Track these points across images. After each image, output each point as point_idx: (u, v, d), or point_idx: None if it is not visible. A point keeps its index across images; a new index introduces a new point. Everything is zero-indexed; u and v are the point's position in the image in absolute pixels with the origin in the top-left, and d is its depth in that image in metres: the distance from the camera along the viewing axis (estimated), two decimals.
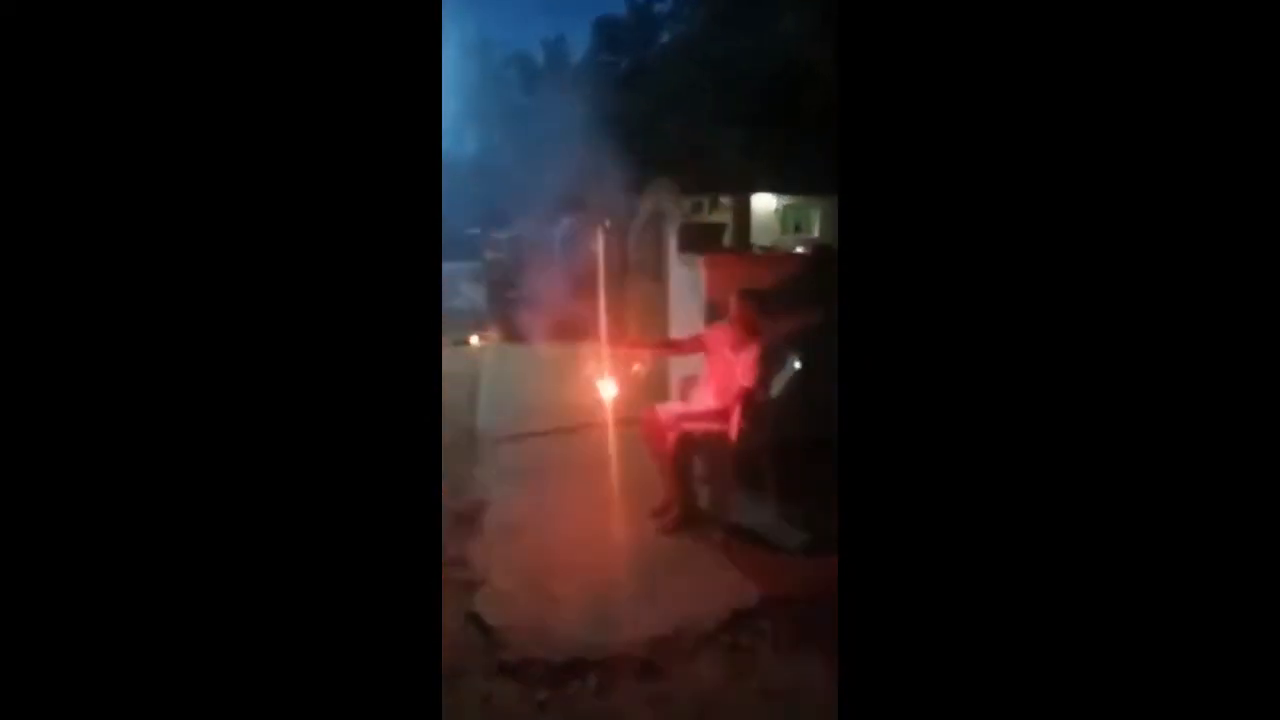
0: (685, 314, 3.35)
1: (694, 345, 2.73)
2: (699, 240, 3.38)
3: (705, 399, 2.56)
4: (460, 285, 8.12)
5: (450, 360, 6.05)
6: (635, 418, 2.73)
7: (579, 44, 13.46)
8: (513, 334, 6.51)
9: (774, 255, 3.30)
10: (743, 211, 7.49)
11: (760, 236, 8.55)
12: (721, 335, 2.55)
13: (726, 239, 3.54)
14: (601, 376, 2.69)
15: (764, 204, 9.56)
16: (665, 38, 9.67)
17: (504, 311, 6.70)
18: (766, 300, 2.48)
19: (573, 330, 6.12)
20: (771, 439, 2.54)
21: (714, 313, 2.94)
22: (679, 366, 3.23)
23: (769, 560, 2.35)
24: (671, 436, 2.39)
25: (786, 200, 9.75)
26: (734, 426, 2.33)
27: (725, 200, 7.67)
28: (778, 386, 2.56)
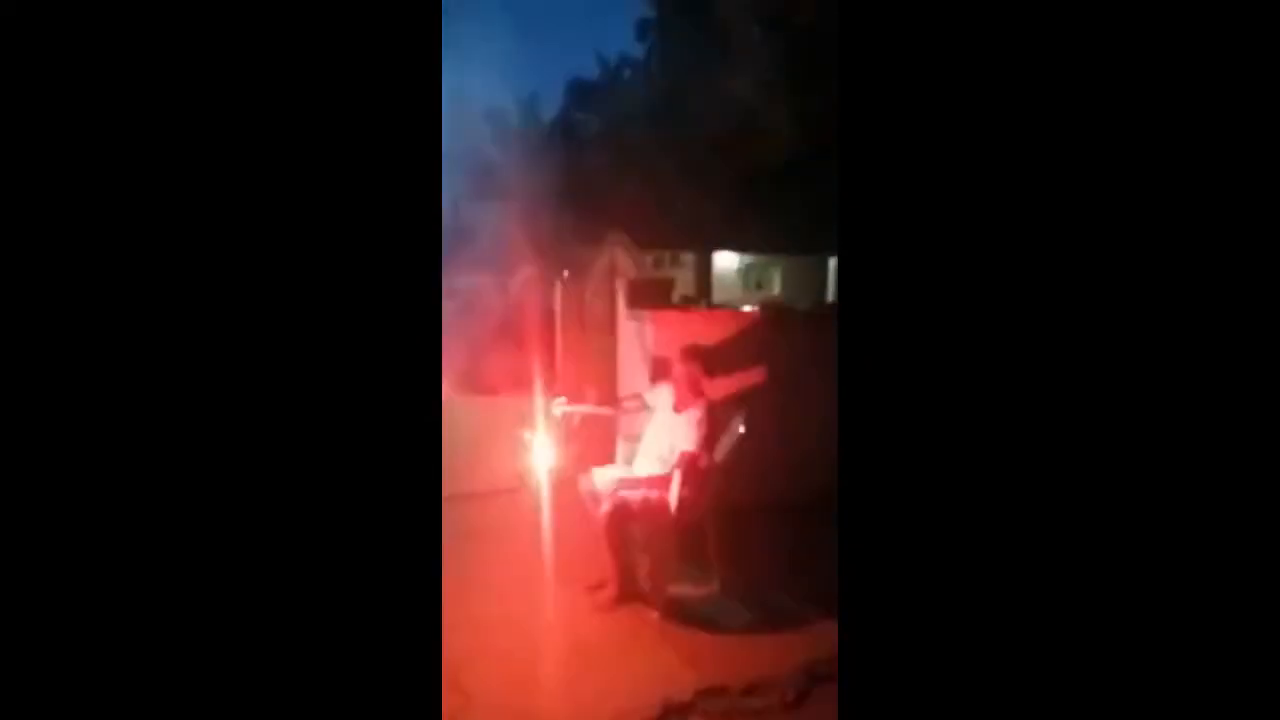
0: (632, 370, 3.22)
1: (636, 404, 2.58)
2: (647, 295, 3.29)
3: (645, 464, 2.40)
4: None
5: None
6: (573, 480, 2.54)
7: (552, 102, 13.79)
8: (463, 385, 6.29)
9: (722, 312, 3.22)
10: (703, 268, 7.56)
11: (723, 294, 8.62)
12: (664, 395, 2.41)
13: (676, 295, 3.46)
14: (535, 436, 2.48)
15: (727, 262, 9.69)
16: (632, 97, 9.96)
17: (458, 362, 6.49)
18: (711, 359, 2.36)
19: (527, 384, 5.96)
20: (714, 506, 2.38)
21: (660, 369, 2.81)
22: (625, 427, 3.07)
23: (708, 641, 2.14)
24: (608, 505, 2.21)
25: (749, 259, 9.90)
26: (674, 493, 2.15)
27: (685, 257, 7.75)
28: (722, 450, 2.41)
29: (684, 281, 8.44)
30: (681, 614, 2.27)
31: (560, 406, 2.48)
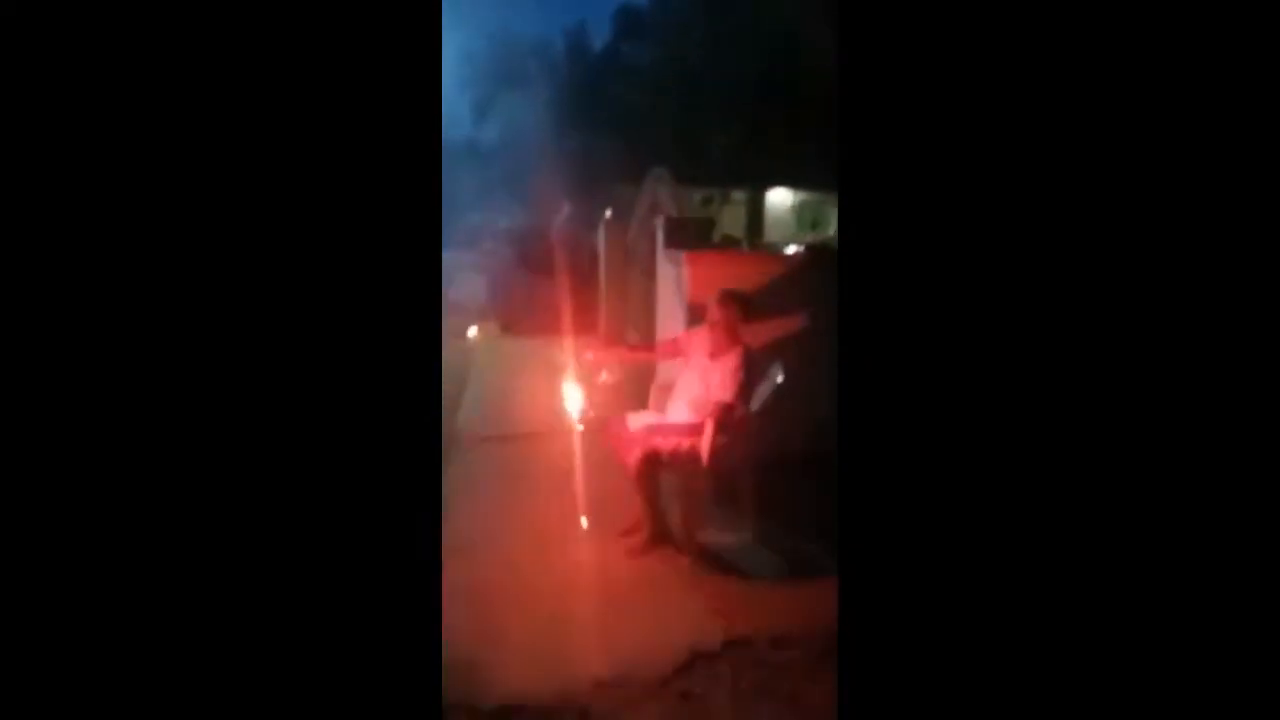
0: (670, 314, 3.12)
1: (670, 350, 2.50)
2: (686, 235, 3.14)
3: (679, 411, 2.33)
4: (460, 275, 7.96)
5: (446, 353, 5.91)
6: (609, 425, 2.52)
7: (600, 33, 13.17)
8: (510, 326, 6.35)
9: (764, 254, 3.05)
10: (755, 206, 7.23)
11: (776, 233, 8.26)
12: (700, 340, 2.32)
13: (718, 235, 3.29)
14: (567, 381, 2.44)
15: (780, 200, 9.25)
16: (681, 27, 9.39)
17: (502, 304, 6.54)
18: (749, 303, 2.24)
19: (570, 324, 5.96)
20: (749, 456, 2.31)
21: (696, 314, 2.71)
22: (663, 372, 3.00)
23: (738, 591, 2.12)
24: (637, 452, 2.17)
25: (803, 196, 9.42)
26: (706, 443, 2.09)
27: (737, 195, 7.40)
28: (759, 399, 2.32)
29: (735, 220, 8.12)
30: (714, 561, 2.26)
31: (589, 357, 2.42)
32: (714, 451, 2.11)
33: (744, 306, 2.23)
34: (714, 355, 2.24)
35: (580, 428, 2.49)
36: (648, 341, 3.53)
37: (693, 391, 2.30)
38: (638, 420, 2.38)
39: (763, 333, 2.35)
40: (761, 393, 2.34)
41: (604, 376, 2.37)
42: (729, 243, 3.20)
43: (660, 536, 2.29)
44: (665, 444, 2.18)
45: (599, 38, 13.07)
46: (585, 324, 6.10)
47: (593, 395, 2.46)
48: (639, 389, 3.01)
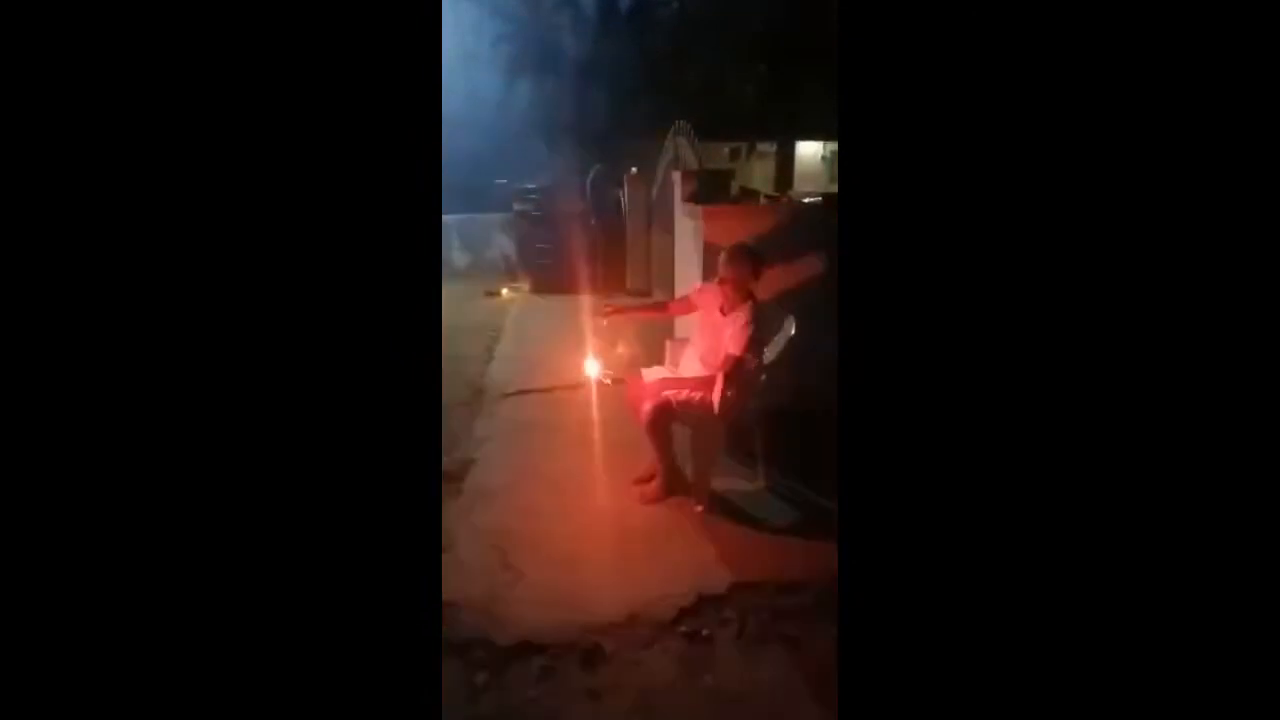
0: (688, 267, 3.10)
1: (682, 307, 2.50)
2: (703, 189, 3.08)
3: (691, 365, 2.35)
4: (493, 236, 8.00)
5: (478, 311, 6.02)
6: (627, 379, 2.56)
7: None
8: (541, 285, 6.41)
9: (780, 205, 2.97)
10: (784, 158, 7.00)
11: (807, 185, 8.02)
12: (712, 295, 2.31)
13: (736, 188, 3.22)
14: (587, 358, 2.49)
15: (811, 151, 8.93)
16: None
17: (533, 262, 6.57)
18: (760, 258, 2.21)
19: (597, 281, 5.98)
20: (762, 408, 2.32)
21: (713, 267, 2.69)
22: (682, 328, 3.01)
23: (748, 540, 2.17)
24: (650, 404, 2.20)
25: (833, 147, 9.08)
26: (717, 395, 2.11)
27: (765, 147, 7.17)
28: (772, 351, 2.32)
29: (764, 172, 7.90)
30: (726, 510, 2.31)
31: (604, 322, 2.46)
32: (724, 404, 2.13)
33: (754, 262, 2.20)
34: (725, 310, 2.24)
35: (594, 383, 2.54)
36: (671, 296, 3.52)
37: (704, 346, 2.31)
38: (652, 374, 2.41)
39: (777, 283, 2.33)
40: (775, 344, 2.33)
41: (620, 349, 2.40)
42: (748, 195, 3.12)
43: (674, 485, 2.34)
44: (676, 396, 2.21)
45: None
46: (612, 281, 6.12)
47: (610, 365, 2.51)
48: (655, 343, 3.03)
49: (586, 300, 5.62)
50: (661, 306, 2.71)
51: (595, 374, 2.52)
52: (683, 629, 1.78)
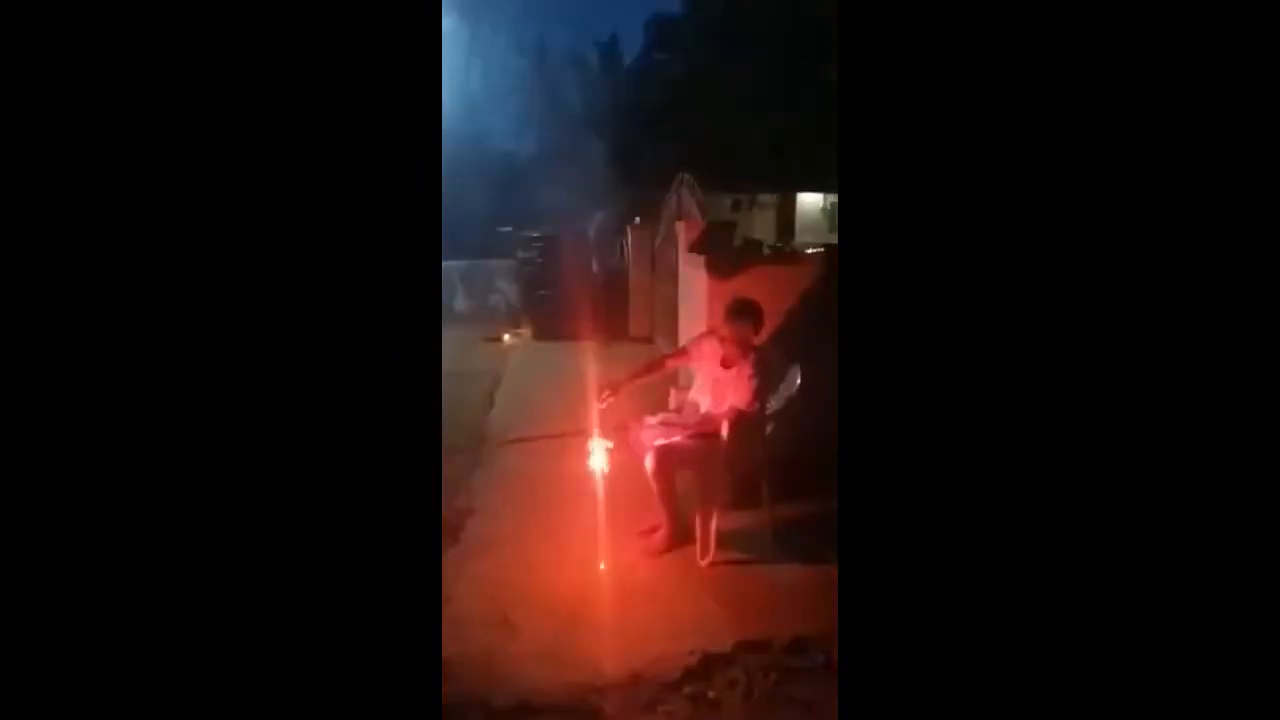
0: (692, 317, 3.13)
1: (680, 358, 2.49)
2: (707, 239, 3.14)
3: (695, 414, 2.33)
4: (496, 282, 8.11)
5: (479, 357, 6.04)
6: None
7: (632, 43, 13.29)
8: (543, 331, 6.44)
9: (782, 254, 3.01)
10: (785, 209, 7.15)
11: (808, 235, 8.18)
12: (711, 348, 2.31)
13: (739, 238, 3.28)
14: (593, 441, 2.40)
15: (812, 202, 9.14)
16: (711, 32, 9.39)
17: (535, 309, 6.63)
18: (760, 312, 2.22)
19: (599, 329, 6.02)
20: (768, 458, 2.29)
21: (717, 316, 2.70)
22: (686, 377, 3.00)
23: (755, 594, 2.11)
24: (654, 453, 2.18)
25: (834, 198, 9.30)
26: (724, 448, 2.09)
27: (766, 198, 7.33)
28: (778, 401, 2.31)
29: (765, 223, 8.05)
30: (733, 563, 2.25)
31: (603, 405, 2.38)
32: (732, 456, 2.11)
33: (756, 316, 2.22)
34: (727, 364, 2.24)
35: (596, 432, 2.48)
36: (674, 344, 3.53)
37: (708, 400, 2.30)
38: (655, 422, 2.39)
39: (781, 332, 2.33)
40: (780, 394, 2.33)
41: (605, 401, 2.37)
42: (751, 245, 3.18)
43: (678, 537, 2.29)
44: (680, 446, 2.19)
45: (630, 49, 13.20)
46: (615, 328, 6.16)
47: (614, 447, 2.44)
48: (659, 391, 3.02)
49: (588, 346, 5.64)
50: (659, 364, 2.67)
51: (600, 466, 2.40)
52: (687, 690, 1.71)
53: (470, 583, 2.21)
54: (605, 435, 2.48)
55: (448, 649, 1.85)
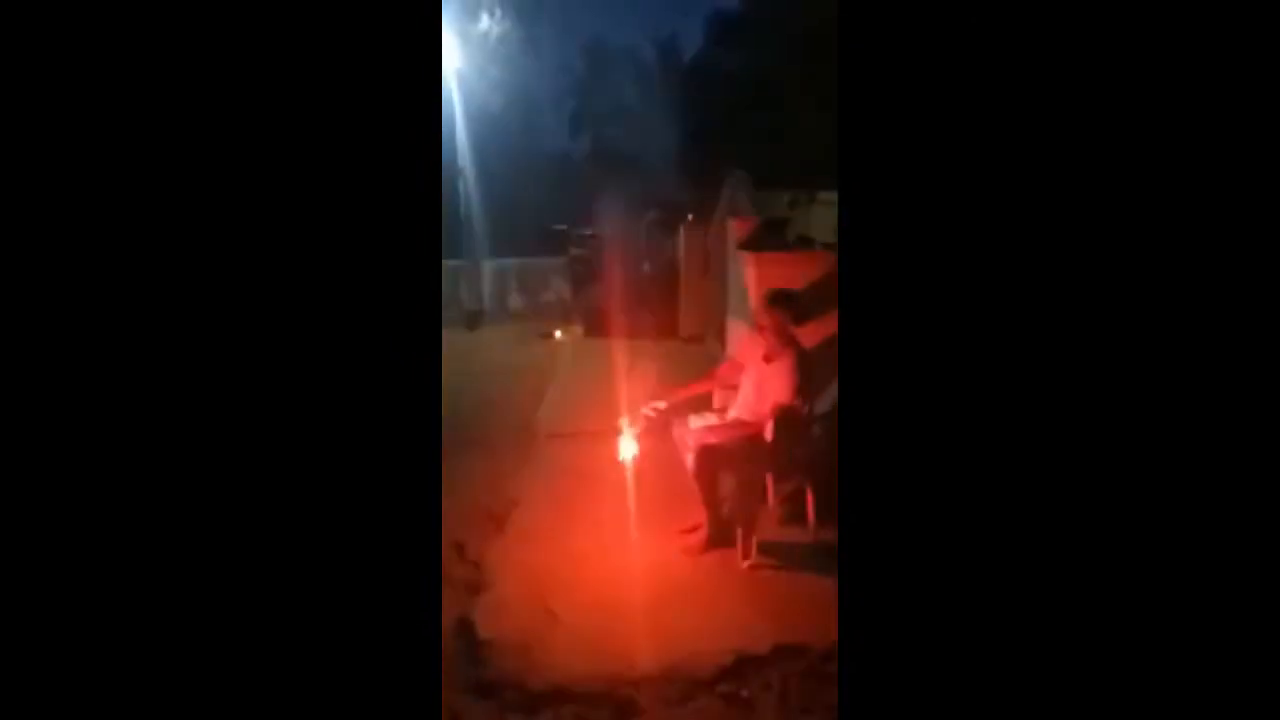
0: (739, 315, 3.09)
1: (731, 368, 2.44)
2: (759, 236, 3.09)
3: (739, 413, 2.31)
4: (550, 280, 8.26)
5: (531, 353, 6.17)
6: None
7: (692, 40, 13.23)
8: (594, 329, 6.52)
9: (828, 252, 2.94)
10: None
11: None
12: (755, 346, 2.29)
13: (793, 235, 3.22)
14: (621, 433, 2.44)
15: None
16: (772, 30, 9.25)
17: (586, 307, 6.71)
18: (798, 303, 2.18)
19: (650, 326, 6.04)
20: (813, 461, 2.25)
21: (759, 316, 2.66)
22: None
23: (794, 597, 2.07)
24: (695, 451, 2.17)
25: None
26: (767, 443, 2.06)
27: (826, 195, 7.15)
28: (824, 402, 2.26)
29: (824, 220, 7.86)
30: (773, 566, 2.22)
31: (653, 413, 2.40)
32: (775, 453, 2.08)
33: (793, 307, 2.17)
34: (768, 359, 2.21)
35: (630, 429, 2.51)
36: (722, 344, 3.51)
37: (751, 396, 2.28)
38: (699, 421, 2.39)
39: (829, 332, 2.28)
40: (827, 396, 2.28)
41: (649, 409, 2.39)
42: (803, 243, 3.12)
43: (719, 537, 2.28)
44: (723, 444, 2.17)
45: (689, 46, 13.15)
46: (665, 326, 6.16)
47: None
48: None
49: (638, 344, 5.67)
50: (710, 377, 2.65)
51: (631, 455, 2.46)
52: (721, 689, 1.70)
53: (512, 569, 2.26)
54: (648, 433, 2.49)
55: (488, 631, 1.92)
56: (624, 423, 2.43)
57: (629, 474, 2.45)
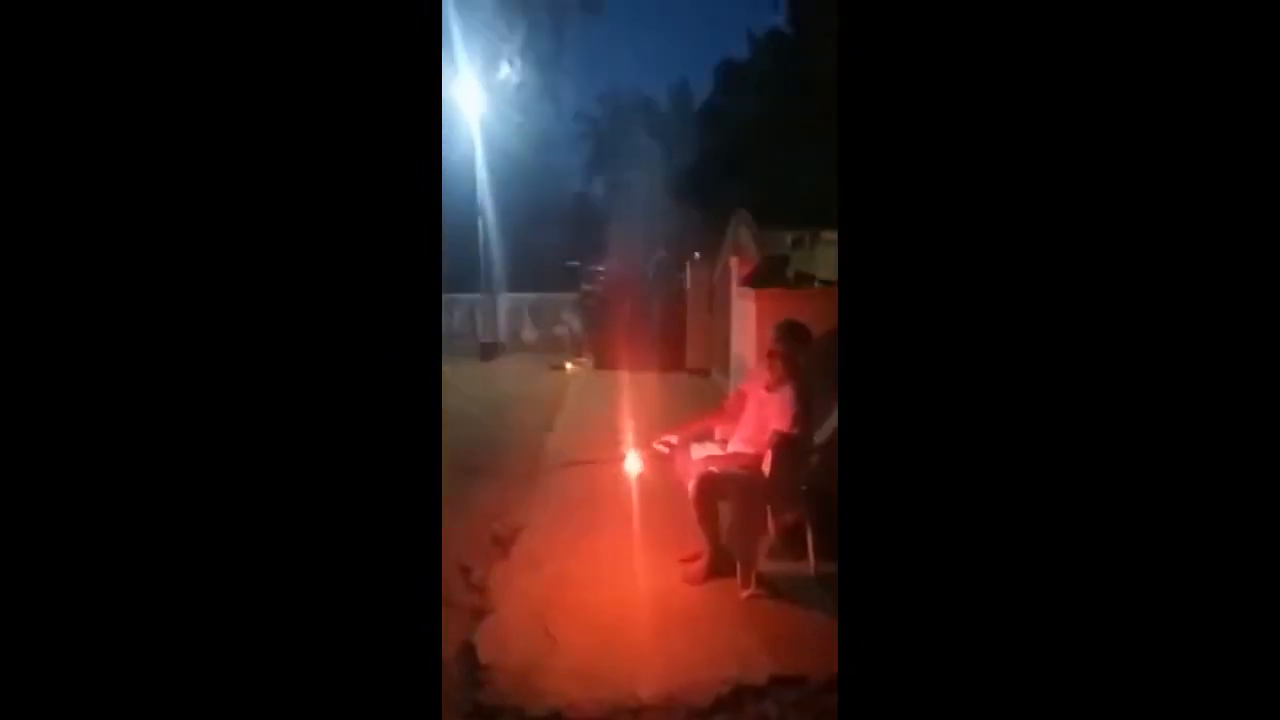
0: (743, 350, 3.16)
1: (738, 402, 2.48)
2: (760, 273, 3.18)
3: (740, 443, 2.36)
4: (562, 314, 8.42)
5: (542, 384, 6.26)
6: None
7: (701, 86, 13.69)
8: (604, 361, 6.62)
9: (827, 288, 3.01)
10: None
11: None
12: (758, 375, 2.34)
13: (792, 272, 3.31)
14: (629, 456, 2.55)
15: None
16: (779, 75, 9.57)
17: (597, 340, 6.84)
18: (805, 334, 2.24)
19: (657, 360, 6.14)
20: (812, 491, 2.28)
21: (765, 347, 2.73)
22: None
23: (794, 628, 2.08)
24: (695, 480, 2.21)
25: None
26: (767, 472, 2.10)
27: (829, 235, 7.29)
28: (823, 434, 2.30)
29: (827, 259, 7.98)
30: (772, 596, 2.23)
31: (664, 449, 2.47)
32: (774, 482, 2.11)
33: (799, 338, 2.24)
34: (770, 387, 2.26)
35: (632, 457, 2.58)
36: (726, 375, 3.56)
37: (752, 425, 2.32)
38: (701, 450, 2.43)
39: (828, 365, 2.34)
40: (828, 426, 2.32)
41: (659, 445, 2.47)
42: (803, 280, 3.20)
43: (719, 566, 2.29)
44: (722, 475, 2.21)
45: (699, 93, 13.57)
46: (672, 359, 6.26)
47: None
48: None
49: (646, 376, 5.74)
50: (720, 412, 2.67)
51: (636, 470, 2.53)
52: (719, 718, 1.71)
53: (515, 594, 2.29)
54: (651, 461, 2.54)
55: (489, 655, 1.94)
56: (631, 454, 2.50)
57: (633, 501, 2.50)
